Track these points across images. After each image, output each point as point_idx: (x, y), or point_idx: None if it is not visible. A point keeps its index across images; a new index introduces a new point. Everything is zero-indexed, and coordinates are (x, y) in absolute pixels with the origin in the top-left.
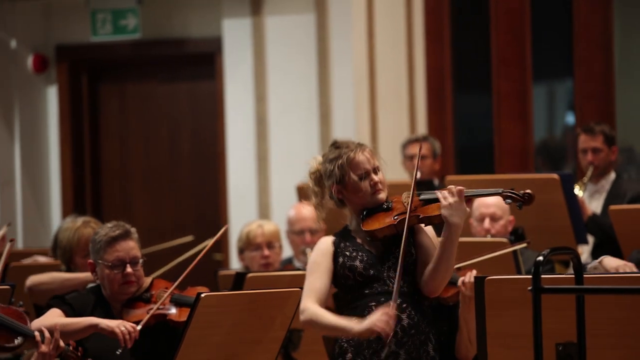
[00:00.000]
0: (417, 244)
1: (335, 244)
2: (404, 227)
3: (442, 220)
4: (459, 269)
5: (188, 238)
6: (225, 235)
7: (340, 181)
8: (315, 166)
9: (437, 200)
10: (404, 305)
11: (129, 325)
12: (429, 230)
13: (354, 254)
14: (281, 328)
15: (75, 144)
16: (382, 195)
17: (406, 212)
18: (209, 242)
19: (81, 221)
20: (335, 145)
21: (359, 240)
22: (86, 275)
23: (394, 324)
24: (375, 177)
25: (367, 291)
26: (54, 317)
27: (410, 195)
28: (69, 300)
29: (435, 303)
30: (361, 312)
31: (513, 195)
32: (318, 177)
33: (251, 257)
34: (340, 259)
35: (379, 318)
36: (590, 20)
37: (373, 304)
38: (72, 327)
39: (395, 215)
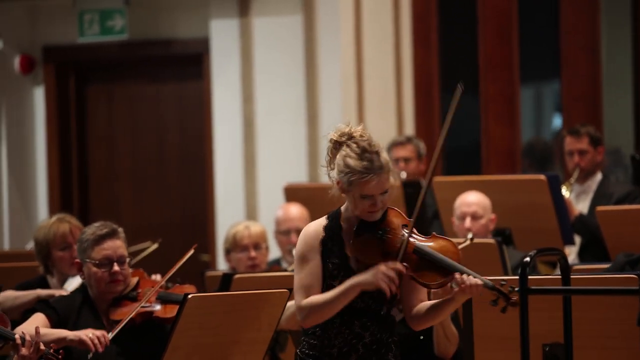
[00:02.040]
0: (406, 279)
1: (323, 243)
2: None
3: (434, 289)
4: None
5: (151, 245)
6: (212, 236)
7: (344, 184)
8: (338, 136)
9: (435, 265)
10: (368, 324)
11: (97, 332)
12: None
13: (335, 271)
14: (268, 329)
15: (62, 145)
16: (377, 216)
17: (397, 256)
18: (178, 262)
19: (55, 217)
20: (360, 151)
21: (346, 249)
22: (33, 293)
23: (396, 284)
24: (378, 201)
25: None
26: (36, 322)
27: (406, 243)
28: (53, 304)
29: None
30: (325, 326)
31: (501, 292)
32: (335, 148)
33: (238, 258)
34: (324, 267)
35: (384, 277)
36: (577, 22)
37: (337, 320)
38: (44, 339)
39: (385, 255)
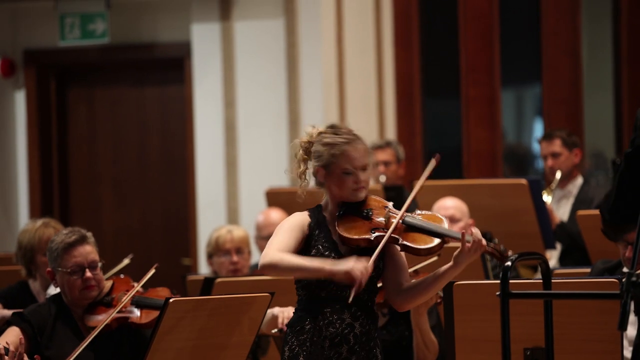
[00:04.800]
0: (389, 259)
1: (311, 228)
2: (378, 243)
3: (426, 254)
4: (416, 271)
5: (125, 262)
6: (193, 240)
7: (326, 167)
8: (309, 136)
9: (423, 230)
10: (359, 314)
11: None
12: None
13: (327, 252)
14: (249, 333)
15: (43, 148)
16: (362, 194)
17: (384, 230)
18: (139, 284)
19: (41, 222)
20: (334, 130)
21: (333, 236)
22: (6, 312)
23: (367, 278)
24: (361, 176)
25: (323, 294)
26: (11, 336)
27: (399, 215)
28: (28, 317)
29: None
30: (314, 318)
31: (495, 249)
32: (308, 148)
33: (220, 262)
34: (314, 251)
35: (359, 267)
36: (559, 26)
37: (328, 309)
38: None
39: (374, 230)
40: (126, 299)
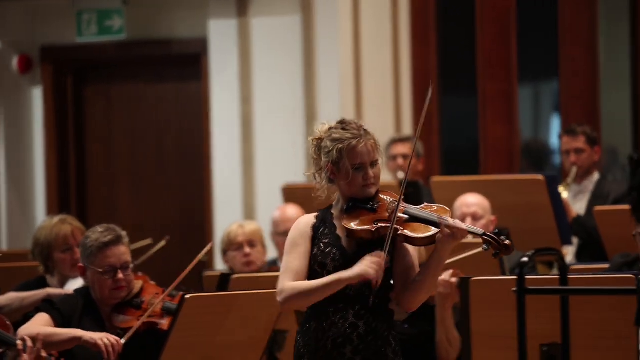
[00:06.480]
0: (398, 256)
1: (315, 229)
2: (380, 235)
3: (424, 244)
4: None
5: (162, 243)
6: (210, 237)
7: (335, 163)
8: (320, 133)
9: (424, 220)
10: (363, 312)
11: (112, 338)
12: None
13: (328, 249)
14: (266, 329)
15: (60, 145)
16: (372, 190)
17: (388, 222)
18: (195, 259)
19: (58, 218)
20: (343, 125)
21: (337, 231)
22: (43, 292)
23: (382, 272)
24: (370, 172)
25: None
26: (40, 322)
27: (395, 208)
28: (58, 305)
29: None
30: (318, 318)
31: (493, 241)
32: (319, 145)
33: (233, 257)
34: (315, 249)
35: (370, 265)
36: (576, 21)
37: (331, 309)
38: (56, 338)
39: (376, 221)
40: (157, 303)
